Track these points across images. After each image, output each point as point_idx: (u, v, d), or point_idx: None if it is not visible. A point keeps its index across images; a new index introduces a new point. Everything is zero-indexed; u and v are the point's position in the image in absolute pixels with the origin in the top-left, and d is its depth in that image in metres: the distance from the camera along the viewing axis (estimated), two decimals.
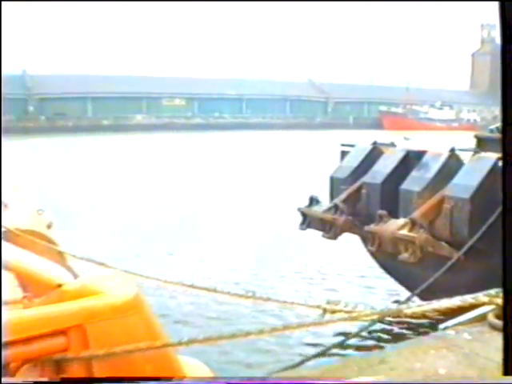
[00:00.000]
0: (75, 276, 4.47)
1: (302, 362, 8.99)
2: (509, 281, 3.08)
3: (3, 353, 3.03)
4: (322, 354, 9.41)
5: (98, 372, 3.68)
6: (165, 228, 21.42)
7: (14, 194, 8.98)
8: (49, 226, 8.24)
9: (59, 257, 6.21)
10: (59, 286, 4.10)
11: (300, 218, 14.16)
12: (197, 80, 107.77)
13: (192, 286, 5.76)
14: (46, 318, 3.60)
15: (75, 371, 3.69)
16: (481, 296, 3.06)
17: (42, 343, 3.59)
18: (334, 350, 9.66)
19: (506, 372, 3.08)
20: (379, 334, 11.47)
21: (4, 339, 3.31)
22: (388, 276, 13.95)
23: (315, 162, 32.33)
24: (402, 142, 15.56)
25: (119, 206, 25.72)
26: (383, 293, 14.39)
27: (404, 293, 12.99)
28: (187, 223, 22.35)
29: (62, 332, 3.62)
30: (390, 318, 9.93)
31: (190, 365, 4.43)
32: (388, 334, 11.47)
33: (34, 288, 5.10)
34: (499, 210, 9.42)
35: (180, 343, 4.05)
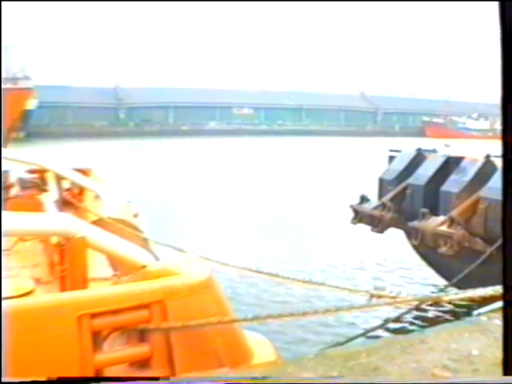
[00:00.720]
0: (157, 259, 4.52)
1: (348, 341, 8.92)
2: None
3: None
4: (366, 334, 9.30)
5: (175, 341, 3.73)
6: (241, 221, 21.44)
7: (106, 188, 9.13)
8: (135, 216, 8.35)
9: (143, 242, 6.27)
10: (144, 267, 4.16)
11: (352, 214, 14.21)
12: (263, 92, 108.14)
13: (257, 271, 5.78)
14: (132, 294, 3.66)
15: (156, 340, 3.74)
16: None
17: (129, 315, 3.65)
18: (378, 332, 9.54)
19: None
20: (420, 318, 11.32)
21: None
22: (422, 268, 13.92)
23: (365, 165, 32.02)
24: (442, 149, 15.28)
25: (199, 201, 25.82)
26: (421, 282, 14.22)
27: (436, 284, 12.92)
28: (252, 218, 22.32)
29: (146, 306, 3.68)
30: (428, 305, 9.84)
31: (254, 339, 4.44)
32: (427, 318, 11.30)
33: (121, 268, 5.19)
34: None
35: (245, 319, 4.07)
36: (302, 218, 22.04)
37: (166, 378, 2.84)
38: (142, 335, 3.82)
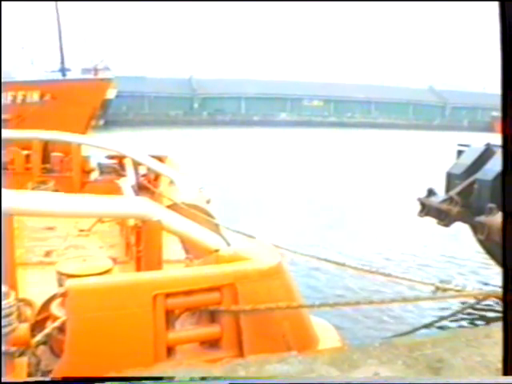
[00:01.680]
0: (228, 244, 4.57)
1: (412, 331, 8.79)
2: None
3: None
4: (431, 325, 9.13)
5: (244, 323, 3.77)
6: (307, 213, 21.38)
7: (180, 174, 9.27)
8: (208, 202, 8.44)
9: (215, 228, 6.35)
10: (216, 251, 4.22)
11: (419, 207, 14.01)
12: (332, 84, 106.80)
13: (325, 260, 5.78)
14: (205, 276, 3.72)
15: (226, 321, 3.79)
16: None
17: (201, 296, 3.72)
18: (443, 323, 9.34)
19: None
20: (484, 312, 11.05)
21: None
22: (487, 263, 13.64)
23: (433, 159, 31.33)
24: None
25: (268, 190, 25.84)
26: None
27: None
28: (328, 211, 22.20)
29: (217, 289, 3.73)
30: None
31: (320, 324, 4.44)
32: (491, 312, 11.02)
33: (194, 251, 5.28)
34: None
35: (313, 305, 4.08)
36: (369, 210, 21.80)
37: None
38: (212, 316, 3.88)
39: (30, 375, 3.56)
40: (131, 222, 5.64)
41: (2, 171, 11.43)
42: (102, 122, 27.81)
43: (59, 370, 3.43)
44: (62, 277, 3.80)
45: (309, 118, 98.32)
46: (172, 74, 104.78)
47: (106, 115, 27.74)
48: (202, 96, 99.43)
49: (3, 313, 3.40)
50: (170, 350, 3.66)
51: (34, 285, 4.76)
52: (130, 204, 4.76)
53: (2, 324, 3.40)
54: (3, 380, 2.71)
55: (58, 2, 28.58)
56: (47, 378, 2.91)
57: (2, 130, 12.69)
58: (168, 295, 3.56)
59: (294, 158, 42.06)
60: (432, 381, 3.04)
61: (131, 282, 3.60)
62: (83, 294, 3.41)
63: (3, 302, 3.42)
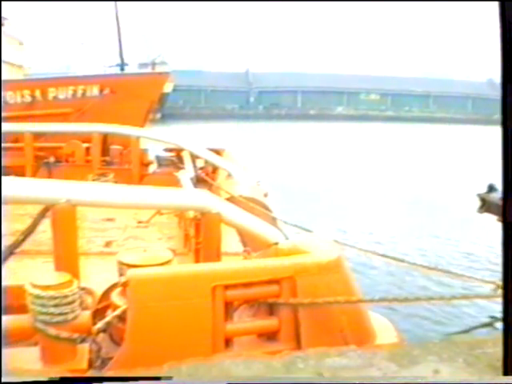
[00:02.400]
0: (286, 238, 4.56)
1: (472, 328, 8.66)
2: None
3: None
4: (491, 324, 8.97)
5: (303, 317, 3.77)
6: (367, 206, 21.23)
7: (238, 168, 9.32)
8: (265, 195, 8.47)
9: (272, 221, 6.36)
10: (275, 244, 4.23)
11: (479, 203, 13.68)
12: (390, 78, 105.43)
13: (384, 256, 5.72)
14: (264, 269, 3.72)
15: (284, 314, 3.80)
16: None
17: (260, 289, 3.73)
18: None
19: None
20: None
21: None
22: None
23: (493, 154, 30.54)
24: None
25: (325, 184, 25.72)
26: None
27: None
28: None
29: (276, 281, 3.74)
30: None
31: (377, 320, 4.40)
32: None
33: (252, 244, 5.30)
34: None
35: (372, 300, 4.04)
36: (427, 205, 21.46)
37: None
38: (270, 309, 3.89)
39: (90, 362, 3.65)
40: (190, 214, 5.70)
41: (63, 163, 11.76)
42: (158, 116, 28.18)
43: (119, 357, 3.50)
44: (123, 267, 3.87)
45: (365, 111, 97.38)
46: (228, 68, 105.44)
47: (162, 109, 28.08)
48: (258, 90, 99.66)
49: (67, 299, 3.50)
50: (227, 342, 3.69)
51: (94, 274, 4.86)
52: (190, 196, 4.82)
53: (65, 310, 3.50)
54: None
55: None
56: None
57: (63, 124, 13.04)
58: (227, 287, 3.58)
59: (350, 152, 41.73)
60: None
61: (191, 272, 3.64)
62: (144, 283, 3.47)
63: (67, 290, 3.51)
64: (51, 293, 3.44)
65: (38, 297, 3.45)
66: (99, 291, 4.37)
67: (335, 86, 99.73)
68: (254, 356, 3.21)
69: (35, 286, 3.48)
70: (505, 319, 2.84)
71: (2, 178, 4.71)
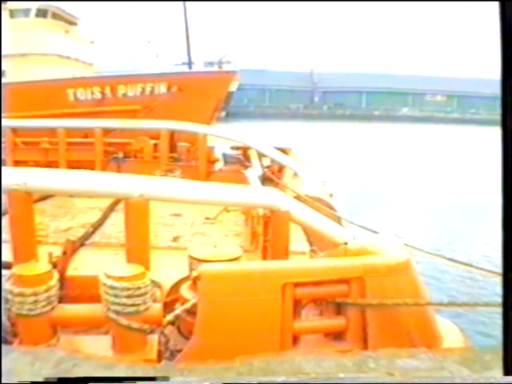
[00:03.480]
0: (353, 238, 4.53)
1: None
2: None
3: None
4: None
5: (370, 317, 3.74)
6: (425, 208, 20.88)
7: (304, 167, 9.32)
8: (331, 195, 8.44)
9: (338, 221, 6.33)
10: (345, 244, 4.21)
11: None
12: (456, 79, 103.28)
13: (451, 260, 5.62)
14: (334, 268, 3.72)
15: (352, 314, 3.78)
16: None
17: (329, 288, 3.73)
18: None
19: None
20: None
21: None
22: None
23: None
24: None
25: (388, 186, 25.43)
26: None
27: None
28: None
29: (345, 281, 3.73)
30: None
31: (444, 324, 4.33)
32: None
33: (318, 243, 5.29)
34: None
35: (441, 304, 3.98)
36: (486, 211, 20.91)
37: (165, 379, 2.82)
38: (338, 308, 3.88)
39: (159, 353, 3.72)
40: (259, 212, 5.74)
41: (132, 159, 12.00)
42: (223, 114, 28.42)
43: (188, 350, 3.55)
44: (194, 261, 3.93)
45: (431, 113, 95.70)
46: (293, 68, 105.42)
47: (227, 107, 28.31)
48: (323, 89, 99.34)
49: (139, 291, 3.58)
50: (295, 339, 3.70)
51: (162, 268, 4.95)
52: (260, 194, 4.86)
53: (137, 302, 3.58)
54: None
55: None
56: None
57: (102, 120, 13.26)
58: (297, 285, 3.59)
59: (414, 154, 41.09)
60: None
61: (262, 269, 3.66)
62: (216, 278, 3.51)
63: (139, 282, 3.60)
64: (124, 284, 3.53)
65: (111, 287, 3.55)
66: (167, 285, 4.45)
67: (400, 87, 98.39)
68: (325, 354, 3.20)
69: (109, 277, 3.58)
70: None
71: (75, 171, 4.87)
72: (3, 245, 4.47)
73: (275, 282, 3.51)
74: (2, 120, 13.17)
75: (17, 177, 4.53)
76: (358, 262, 3.79)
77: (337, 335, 3.88)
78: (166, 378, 2.78)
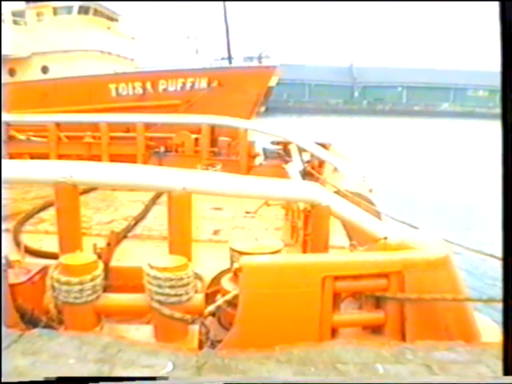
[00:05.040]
0: (392, 233, 4.54)
1: None
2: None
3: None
4: None
5: (409, 312, 3.76)
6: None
7: (344, 162, 9.31)
8: (370, 191, 8.41)
9: (377, 216, 6.32)
10: (385, 238, 4.22)
11: None
12: (499, 73, 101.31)
13: (492, 256, 5.57)
14: (373, 262, 3.74)
15: (391, 308, 3.80)
16: None
17: (368, 282, 3.75)
18: None
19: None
20: None
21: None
22: None
23: None
24: None
25: (428, 182, 25.13)
26: None
27: None
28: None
29: (385, 275, 3.74)
30: None
31: (482, 320, 4.31)
32: None
33: (358, 238, 5.30)
34: None
35: (480, 300, 3.98)
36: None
37: (164, 378, 2.83)
38: (377, 302, 3.90)
39: (200, 343, 3.80)
40: (300, 206, 5.78)
41: (173, 153, 12.15)
42: (263, 109, 28.42)
43: (229, 340, 3.62)
44: (235, 254, 4.00)
45: (472, 108, 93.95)
46: (332, 62, 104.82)
47: (267, 102, 28.32)
48: (363, 84, 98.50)
49: (182, 282, 3.66)
50: (333, 332, 3.74)
51: (203, 260, 5.03)
52: (301, 188, 4.90)
53: (180, 292, 3.66)
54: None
55: None
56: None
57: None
58: (337, 278, 3.63)
59: (456, 149, 40.48)
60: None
61: (302, 262, 3.71)
62: (257, 270, 3.57)
63: (182, 272, 3.67)
64: (168, 275, 3.61)
65: (155, 277, 3.63)
66: (207, 276, 4.52)
67: (441, 82, 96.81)
68: (363, 344, 3.23)
69: (153, 268, 3.66)
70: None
71: (119, 164, 4.98)
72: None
73: (315, 275, 3.55)
74: (48, 115, 13.51)
75: (63, 170, 4.67)
76: (397, 257, 3.80)
77: (375, 329, 3.90)
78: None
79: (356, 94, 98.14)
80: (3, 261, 3.95)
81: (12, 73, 30.52)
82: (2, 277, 3.93)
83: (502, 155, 2.76)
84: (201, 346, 3.79)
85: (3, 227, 7.23)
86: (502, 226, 2.74)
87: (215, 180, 4.69)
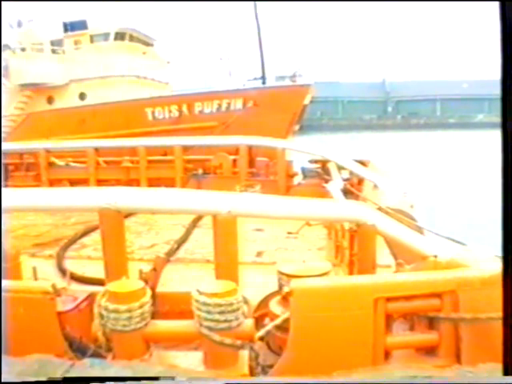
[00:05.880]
0: (441, 250, 4.43)
1: None
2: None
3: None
4: None
5: (464, 332, 3.64)
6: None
7: (384, 179, 9.20)
8: (411, 206, 8.28)
9: (421, 233, 6.21)
10: (434, 256, 4.13)
11: None
12: None
13: None
14: (426, 282, 3.65)
15: (444, 329, 3.69)
16: None
17: (421, 302, 3.65)
18: None
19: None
20: None
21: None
22: None
23: None
24: None
25: (469, 197, 24.75)
26: None
27: None
28: None
29: (438, 295, 3.64)
30: None
31: None
32: None
33: (404, 256, 5.19)
34: None
35: None
36: None
37: (169, 378, 2.75)
38: (430, 323, 3.80)
39: (251, 368, 3.73)
40: (345, 226, 5.70)
41: (211, 175, 12.17)
42: (297, 127, 28.51)
43: (281, 365, 3.56)
44: (283, 277, 3.94)
45: None
46: (365, 78, 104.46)
47: (302, 120, 28.39)
48: (396, 99, 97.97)
49: (232, 307, 3.61)
50: (386, 354, 3.65)
51: (248, 283, 4.98)
52: (345, 207, 4.83)
53: (230, 318, 3.61)
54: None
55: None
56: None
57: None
58: (388, 299, 3.54)
59: (495, 161, 39.77)
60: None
61: (354, 284, 3.64)
62: (308, 294, 3.51)
63: (232, 298, 3.63)
64: (217, 300, 3.56)
65: (204, 304, 3.58)
66: (253, 300, 4.47)
67: (475, 93, 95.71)
68: (423, 368, 3.14)
69: (202, 294, 3.62)
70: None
71: (164, 189, 4.98)
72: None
73: (367, 297, 3.47)
74: (87, 141, 13.70)
75: (106, 196, 4.68)
76: (450, 276, 3.70)
77: (428, 350, 3.80)
78: (170, 378, 2.78)
79: (389, 108, 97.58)
80: (51, 289, 3.94)
81: (50, 100, 31.17)
82: (50, 305, 3.93)
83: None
84: (251, 372, 3.73)
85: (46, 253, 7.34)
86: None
87: (260, 202, 4.66)
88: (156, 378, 2.74)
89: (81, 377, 2.75)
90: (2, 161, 12.89)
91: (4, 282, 4.18)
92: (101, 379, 2.75)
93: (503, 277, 2.77)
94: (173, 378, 2.78)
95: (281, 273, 4.00)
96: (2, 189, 4.85)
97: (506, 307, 2.76)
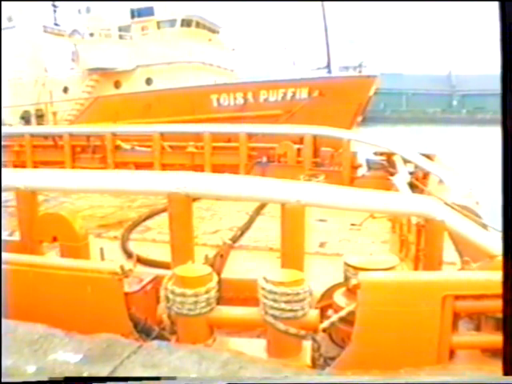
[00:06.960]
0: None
1: None
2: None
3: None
4: None
5: None
6: None
7: (450, 174, 9.00)
8: (477, 203, 8.08)
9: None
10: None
11: None
12: None
13: None
14: (496, 282, 3.54)
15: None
16: None
17: (489, 302, 3.55)
18: None
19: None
20: None
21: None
22: None
23: None
24: None
25: None
26: None
27: None
28: None
29: None
30: None
31: None
32: None
33: (469, 254, 5.07)
34: None
35: None
36: None
37: (170, 378, 2.67)
38: (497, 324, 3.70)
39: (313, 359, 3.73)
40: (411, 220, 5.61)
41: (276, 163, 12.16)
42: (360, 119, 28.22)
43: (344, 357, 3.53)
44: (350, 269, 3.91)
45: None
46: (430, 71, 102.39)
47: (365, 111, 28.08)
48: (462, 93, 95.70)
49: (298, 297, 3.60)
50: (451, 354, 3.57)
51: (311, 273, 4.96)
52: (414, 201, 4.74)
53: (296, 307, 3.60)
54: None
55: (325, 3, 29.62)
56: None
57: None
58: (457, 297, 3.47)
59: None
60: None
61: (422, 280, 3.56)
62: (376, 287, 3.46)
63: (299, 287, 3.62)
64: (284, 289, 3.56)
65: (270, 292, 3.59)
66: (316, 290, 4.44)
67: None
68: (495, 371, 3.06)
69: (268, 282, 3.62)
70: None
71: (233, 176, 4.99)
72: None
73: (436, 294, 3.40)
74: (152, 126, 13.90)
75: (176, 181, 4.74)
76: None
77: (495, 352, 3.70)
78: (171, 378, 2.77)
79: (455, 102, 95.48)
80: (119, 270, 4.01)
81: (117, 85, 31.79)
82: (118, 285, 4.01)
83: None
84: (313, 362, 3.73)
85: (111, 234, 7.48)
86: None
87: (329, 192, 4.62)
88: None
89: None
90: (70, 143, 13.27)
91: (73, 261, 4.32)
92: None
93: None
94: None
95: (347, 265, 3.96)
96: (68, 170, 4.97)
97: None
